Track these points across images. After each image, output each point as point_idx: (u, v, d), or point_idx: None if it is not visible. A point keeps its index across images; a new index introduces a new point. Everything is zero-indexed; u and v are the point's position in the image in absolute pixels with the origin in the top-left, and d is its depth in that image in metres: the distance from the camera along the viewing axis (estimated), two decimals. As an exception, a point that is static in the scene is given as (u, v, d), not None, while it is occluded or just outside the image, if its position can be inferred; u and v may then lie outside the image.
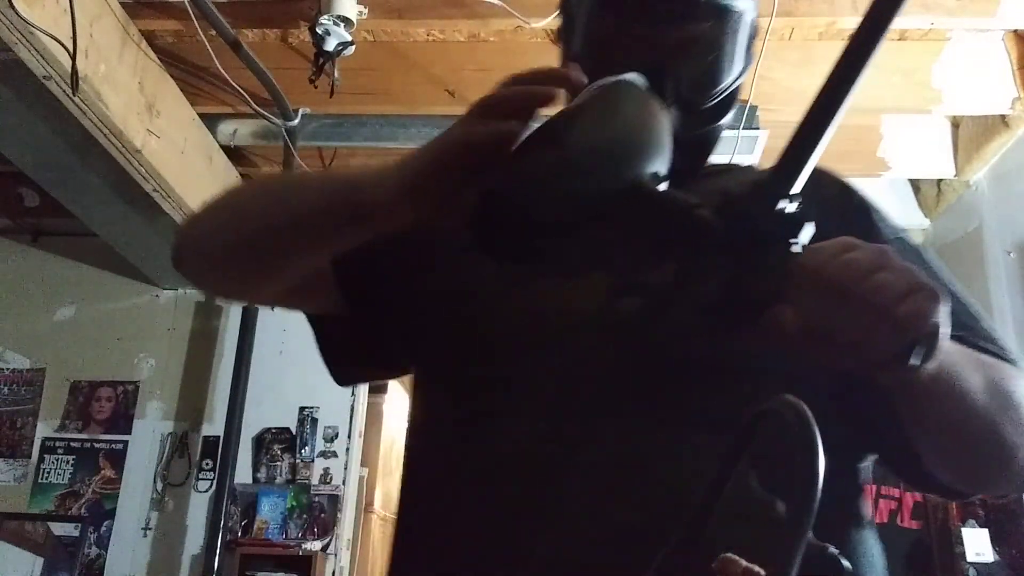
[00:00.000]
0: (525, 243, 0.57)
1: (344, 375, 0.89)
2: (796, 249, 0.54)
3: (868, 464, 0.76)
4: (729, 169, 0.92)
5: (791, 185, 0.55)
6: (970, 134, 3.10)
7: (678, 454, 0.64)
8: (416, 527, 0.74)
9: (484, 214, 0.57)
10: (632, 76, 0.64)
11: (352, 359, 0.88)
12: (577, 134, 0.57)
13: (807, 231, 0.55)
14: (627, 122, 0.60)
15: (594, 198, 0.56)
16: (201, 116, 3.02)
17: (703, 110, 0.80)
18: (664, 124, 0.61)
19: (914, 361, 0.52)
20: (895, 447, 0.70)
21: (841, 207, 0.80)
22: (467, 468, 0.70)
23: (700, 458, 0.52)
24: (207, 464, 3.61)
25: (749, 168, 0.92)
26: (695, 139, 0.81)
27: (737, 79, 0.81)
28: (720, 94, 0.80)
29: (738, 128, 2.61)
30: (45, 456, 3.66)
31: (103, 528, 3.54)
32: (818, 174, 0.82)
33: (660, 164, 0.59)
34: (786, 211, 0.55)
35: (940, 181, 3.37)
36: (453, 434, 0.73)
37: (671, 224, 0.57)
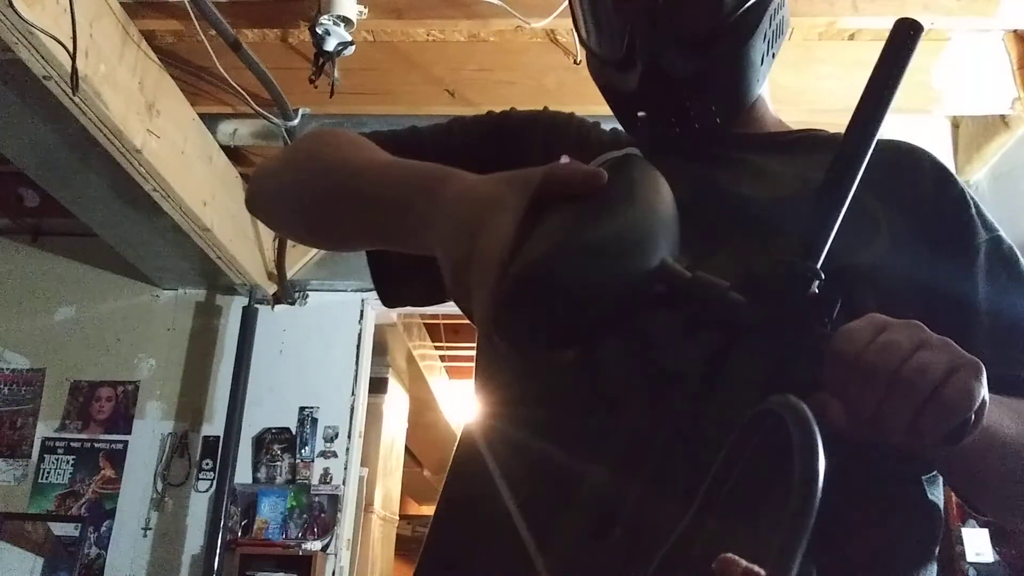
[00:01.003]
0: (553, 338, 0.55)
1: (390, 295, 0.86)
2: (828, 331, 0.55)
3: (937, 482, 0.72)
4: (802, 143, 0.84)
5: (816, 261, 0.56)
6: (970, 134, 3.11)
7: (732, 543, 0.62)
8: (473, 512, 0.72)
9: (511, 302, 0.53)
10: (631, 151, 0.62)
11: (400, 280, 0.85)
12: (596, 229, 0.54)
13: (836, 309, 0.55)
14: (646, 211, 0.56)
15: (620, 289, 0.54)
16: (201, 116, 3.02)
17: (717, 34, 0.75)
18: (671, 198, 0.59)
19: (964, 440, 0.52)
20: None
21: (937, 198, 0.77)
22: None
23: (755, 543, 0.51)
24: (207, 464, 3.61)
25: (835, 137, 0.84)
26: (714, 73, 0.76)
27: None
28: (728, 16, 0.74)
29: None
30: (45, 456, 3.66)
31: (103, 528, 3.54)
32: (919, 157, 0.80)
33: (674, 245, 0.57)
34: (816, 293, 0.55)
35: (940, 181, 3.37)
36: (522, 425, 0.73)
37: (704, 309, 0.56)
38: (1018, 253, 0.77)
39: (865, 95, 0.57)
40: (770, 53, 0.80)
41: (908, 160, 0.80)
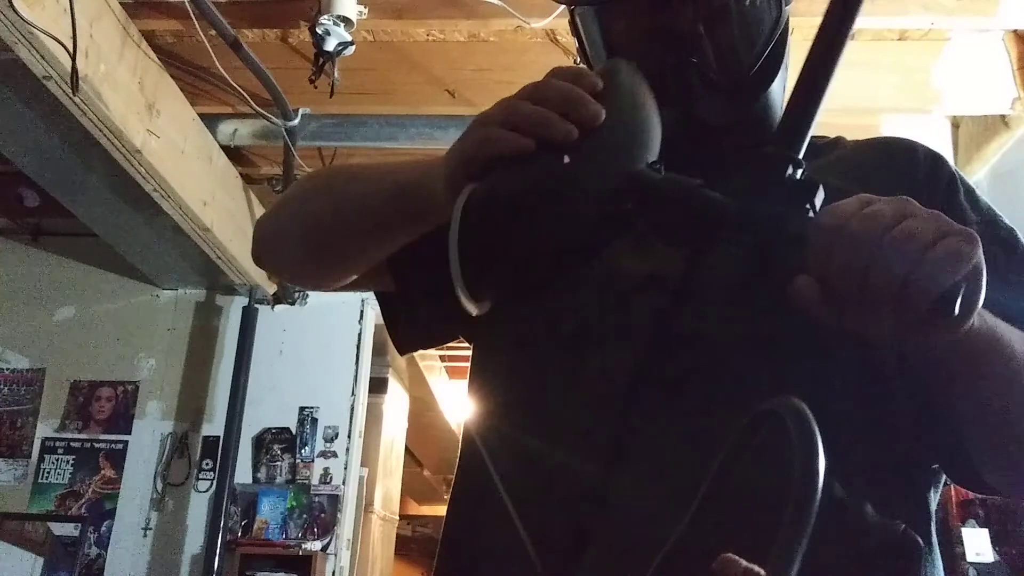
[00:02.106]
0: (504, 275, 0.54)
1: (402, 344, 0.89)
2: (812, 214, 0.53)
3: (940, 476, 0.72)
4: (813, 145, 0.86)
5: (797, 151, 0.54)
6: (970, 134, 3.10)
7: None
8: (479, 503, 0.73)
9: (468, 237, 0.53)
10: (620, 62, 0.62)
11: (408, 328, 0.88)
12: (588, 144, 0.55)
13: (820, 196, 0.53)
14: (632, 118, 0.57)
15: (593, 206, 0.54)
16: (201, 116, 3.02)
17: (745, 84, 0.75)
18: (655, 109, 0.59)
19: (956, 311, 0.48)
20: (945, 440, 0.68)
21: (930, 185, 0.76)
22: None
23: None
24: (207, 464, 3.61)
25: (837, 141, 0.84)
26: (747, 118, 0.76)
27: (772, 33, 0.75)
28: (757, 59, 0.75)
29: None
30: (45, 456, 3.66)
31: (103, 528, 3.54)
32: (912, 149, 0.80)
33: (655, 152, 0.57)
34: (796, 178, 0.53)
35: (940, 181, 3.38)
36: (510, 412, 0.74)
37: (679, 208, 0.54)
38: (1018, 235, 0.76)
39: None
40: (788, 76, 0.82)
41: (902, 153, 0.80)
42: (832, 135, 0.84)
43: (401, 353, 0.91)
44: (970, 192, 0.77)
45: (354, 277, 0.83)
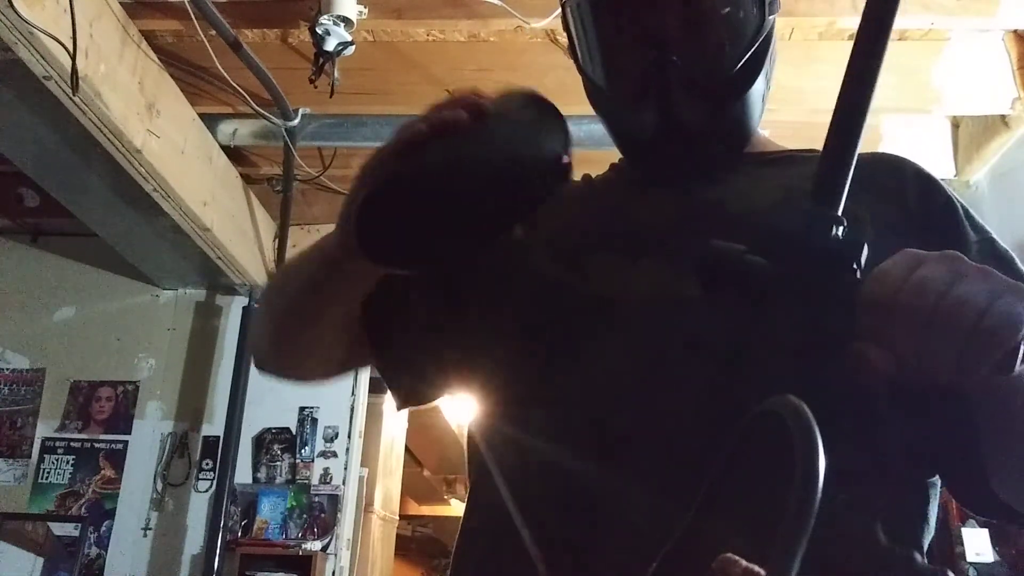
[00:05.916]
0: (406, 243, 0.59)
1: (399, 405, 0.92)
2: (858, 275, 0.52)
3: (936, 484, 0.71)
4: (791, 158, 0.83)
5: (836, 208, 0.53)
6: (970, 134, 3.11)
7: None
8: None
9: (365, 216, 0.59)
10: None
11: (398, 392, 0.91)
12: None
13: (864, 254, 0.53)
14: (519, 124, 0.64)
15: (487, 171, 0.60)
16: (201, 116, 3.02)
17: (727, 83, 0.76)
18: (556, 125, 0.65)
19: (1016, 369, 0.50)
20: (962, 460, 0.68)
21: (924, 208, 0.77)
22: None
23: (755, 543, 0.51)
24: (207, 464, 3.61)
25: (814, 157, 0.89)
26: (728, 119, 0.77)
27: (756, 36, 0.76)
28: (738, 61, 0.76)
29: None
30: (45, 456, 3.66)
31: (103, 528, 3.54)
32: (902, 168, 0.80)
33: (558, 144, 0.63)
34: (840, 237, 0.52)
35: (940, 181, 3.38)
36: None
37: (725, 274, 0.54)
38: (1013, 255, 0.77)
39: (863, 26, 0.56)
40: (768, 87, 0.83)
41: (889, 172, 0.80)
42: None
43: (400, 408, 0.94)
44: (968, 213, 0.78)
45: (340, 356, 0.86)
